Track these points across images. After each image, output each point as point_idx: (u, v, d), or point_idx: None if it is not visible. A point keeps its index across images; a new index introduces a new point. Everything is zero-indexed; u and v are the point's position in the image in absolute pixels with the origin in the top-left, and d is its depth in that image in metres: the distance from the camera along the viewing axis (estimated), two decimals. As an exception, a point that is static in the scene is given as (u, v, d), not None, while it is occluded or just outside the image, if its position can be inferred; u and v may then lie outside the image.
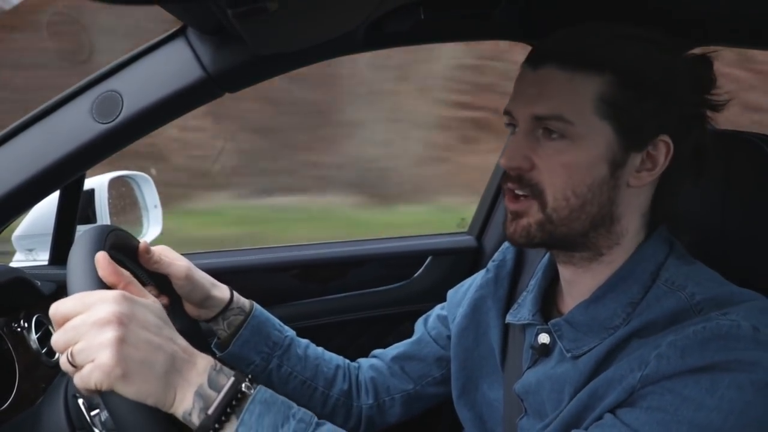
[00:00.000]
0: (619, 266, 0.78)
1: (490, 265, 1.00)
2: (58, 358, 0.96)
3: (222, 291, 0.97)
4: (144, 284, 0.90)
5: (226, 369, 0.67)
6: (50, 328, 1.01)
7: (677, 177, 0.77)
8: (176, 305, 0.94)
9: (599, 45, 0.73)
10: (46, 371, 0.95)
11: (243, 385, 0.67)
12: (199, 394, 0.64)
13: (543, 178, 0.75)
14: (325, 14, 0.82)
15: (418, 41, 1.12)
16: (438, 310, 1.10)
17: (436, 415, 1.62)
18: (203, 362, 0.66)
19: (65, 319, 0.63)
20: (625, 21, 0.75)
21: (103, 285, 0.66)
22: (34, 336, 0.97)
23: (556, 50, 0.75)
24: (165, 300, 0.92)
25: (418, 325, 1.11)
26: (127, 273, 0.69)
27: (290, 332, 1.03)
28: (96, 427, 0.79)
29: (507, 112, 0.80)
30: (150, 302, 0.67)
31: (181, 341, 0.67)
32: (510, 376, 0.89)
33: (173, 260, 0.91)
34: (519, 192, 0.78)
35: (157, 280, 0.91)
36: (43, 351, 0.97)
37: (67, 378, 0.90)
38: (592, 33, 0.75)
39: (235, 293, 0.98)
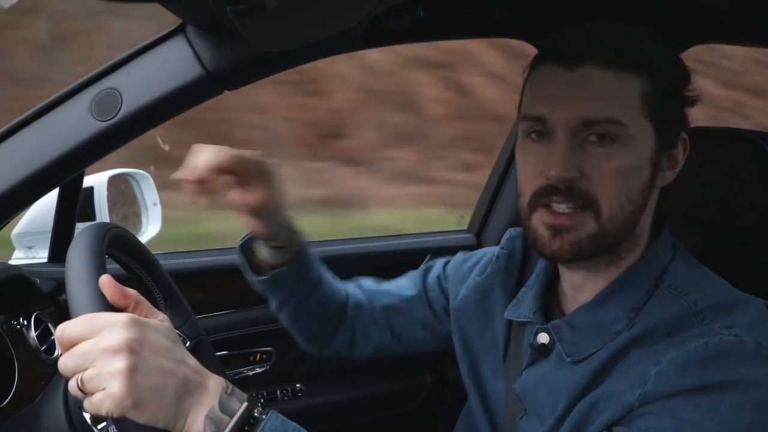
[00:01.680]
0: (625, 269, 0.77)
1: (500, 252, 0.97)
2: (57, 356, 0.96)
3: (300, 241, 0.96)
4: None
5: (237, 392, 0.66)
6: (49, 325, 1.01)
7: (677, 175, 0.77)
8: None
9: (637, 44, 0.72)
10: (45, 369, 0.95)
11: (255, 411, 0.65)
12: (211, 418, 0.63)
13: (595, 188, 0.71)
14: (324, 11, 0.82)
15: (417, 39, 1.12)
16: (440, 269, 1.07)
17: (440, 396, 1.61)
18: (214, 384, 0.65)
19: (72, 343, 0.61)
20: (623, 19, 0.75)
21: (109, 305, 0.65)
22: (33, 334, 0.97)
23: (595, 50, 0.71)
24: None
25: (417, 278, 1.08)
26: (134, 292, 0.68)
27: (322, 270, 1.03)
28: None
29: (536, 118, 0.73)
30: (159, 323, 0.65)
31: (192, 362, 0.65)
32: (510, 371, 0.88)
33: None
34: (568, 207, 0.72)
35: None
36: (42, 348, 0.97)
37: None
38: (618, 31, 0.73)
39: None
